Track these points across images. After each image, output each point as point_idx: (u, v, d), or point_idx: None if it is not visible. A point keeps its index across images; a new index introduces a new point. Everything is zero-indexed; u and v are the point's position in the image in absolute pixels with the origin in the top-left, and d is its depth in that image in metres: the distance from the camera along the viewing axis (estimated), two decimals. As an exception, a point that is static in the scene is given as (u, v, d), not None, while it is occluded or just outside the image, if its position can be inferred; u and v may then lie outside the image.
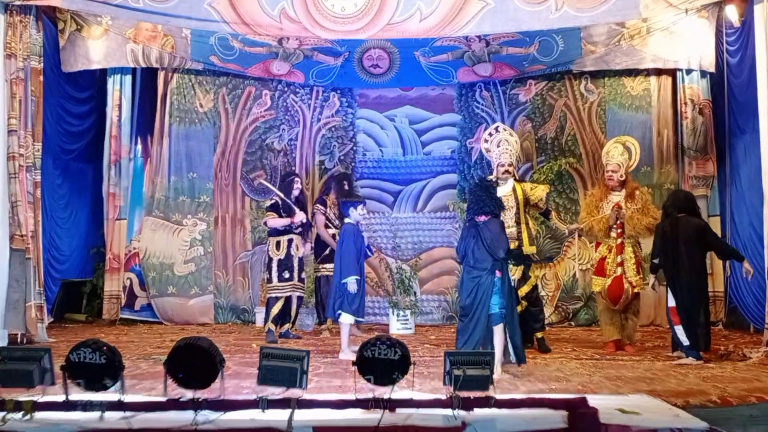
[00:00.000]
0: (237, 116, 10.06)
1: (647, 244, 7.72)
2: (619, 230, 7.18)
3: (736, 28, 8.14)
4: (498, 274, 5.93)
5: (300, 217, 8.03)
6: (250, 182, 9.93)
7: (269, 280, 8.04)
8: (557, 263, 9.54)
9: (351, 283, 6.80)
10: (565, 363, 6.57)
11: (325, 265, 8.50)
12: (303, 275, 8.19)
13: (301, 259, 8.13)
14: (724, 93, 8.58)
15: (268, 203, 8.25)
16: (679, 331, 6.53)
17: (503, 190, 6.37)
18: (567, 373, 6.03)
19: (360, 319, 7.26)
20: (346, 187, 8.65)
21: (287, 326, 8.17)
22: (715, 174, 9.13)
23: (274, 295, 7.98)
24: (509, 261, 6.19)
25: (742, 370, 6.14)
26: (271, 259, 8.02)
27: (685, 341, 6.52)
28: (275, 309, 7.95)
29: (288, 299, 8.03)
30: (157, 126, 9.92)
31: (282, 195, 8.07)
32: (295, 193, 8.18)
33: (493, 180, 6.94)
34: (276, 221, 7.98)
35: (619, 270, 7.17)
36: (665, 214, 6.83)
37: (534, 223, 7.69)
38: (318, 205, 8.66)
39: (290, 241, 8.02)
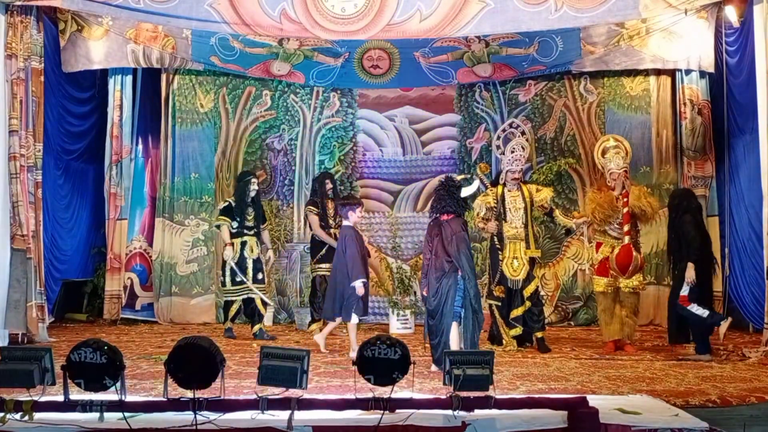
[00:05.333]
0: (237, 116, 10.08)
1: (647, 245, 7.76)
2: (625, 210, 7.16)
3: (735, 28, 8.14)
4: (459, 273, 6.01)
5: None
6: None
7: (223, 284, 8.28)
8: (557, 263, 9.55)
9: (360, 287, 6.93)
10: (564, 363, 6.59)
11: (320, 266, 8.43)
12: (261, 276, 8.26)
13: (256, 260, 8.21)
14: (723, 93, 8.58)
15: (221, 205, 8.36)
16: (695, 307, 6.59)
17: (469, 190, 6.40)
18: (567, 373, 6.05)
19: (363, 318, 7.43)
20: (329, 186, 8.58)
21: (259, 326, 8.19)
22: (713, 174, 9.13)
23: (229, 298, 8.26)
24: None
25: (741, 370, 6.15)
26: (224, 263, 8.18)
27: (704, 312, 6.58)
28: (232, 311, 8.26)
29: (248, 300, 8.17)
30: (161, 127, 9.96)
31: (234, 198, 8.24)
32: (252, 194, 8.23)
33: (460, 180, 6.86)
34: (224, 234, 8.14)
35: (627, 239, 7.17)
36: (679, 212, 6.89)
37: (534, 223, 7.71)
38: (309, 206, 8.59)
39: (243, 243, 8.14)
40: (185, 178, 9.95)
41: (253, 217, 8.25)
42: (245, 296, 8.18)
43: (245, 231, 8.16)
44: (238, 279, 8.09)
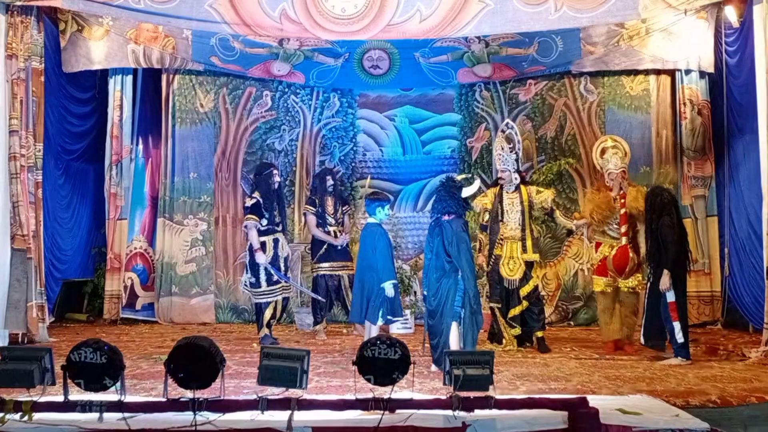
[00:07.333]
0: (237, 117, 10.08)
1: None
2: (623, 211, 7.16)
3: (735, 28, 8.15)
4: (459, 273, 5.98)
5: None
6: (250, 182, 9.94)
7: (255, 284, 7.57)
8: (557, 262, 9.55)
9: (390, 288, 6.69)
10: (564, 363, 6.59)
11: (321, 265, 8.39)
12: (289, 275, 7.94)
13: (287, 259, 7.84)
14: (723, 93, 8.58)
15: (249, 203, 7.63)
16: (677, 327, 6.49)
17: (470, 190, 6.39)
18: (567, 373, 6.04)
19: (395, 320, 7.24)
20: (330, 182, 8.51)
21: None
22: (713, 174, 9.14)
23: (264, 300, 7.61)
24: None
25: (741, 370, 6.15)
26: (255, 265, 7.54)
27: (681, 339, 6.50)
28: (267, 314, 7.64)
29: (283, 300, 7.82)
30: (161, 127, 9.97)
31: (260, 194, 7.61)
32: (274, 186, 7.68)
33: (461, 180, 6.81)
34: (253, 238, 7.49)
35: (624, 239, 7.16)
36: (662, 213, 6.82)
37: (534, 223, 7.70)
38: (308, 206, 8.53)
39: (276, 240, 7.67)
40: (185, 178, 9.96)
41: (278, 212, 7.71)
42: (280, 296, 7.67)
43: (275, 228, 7.63)
44: (274, 279, 7.54)
